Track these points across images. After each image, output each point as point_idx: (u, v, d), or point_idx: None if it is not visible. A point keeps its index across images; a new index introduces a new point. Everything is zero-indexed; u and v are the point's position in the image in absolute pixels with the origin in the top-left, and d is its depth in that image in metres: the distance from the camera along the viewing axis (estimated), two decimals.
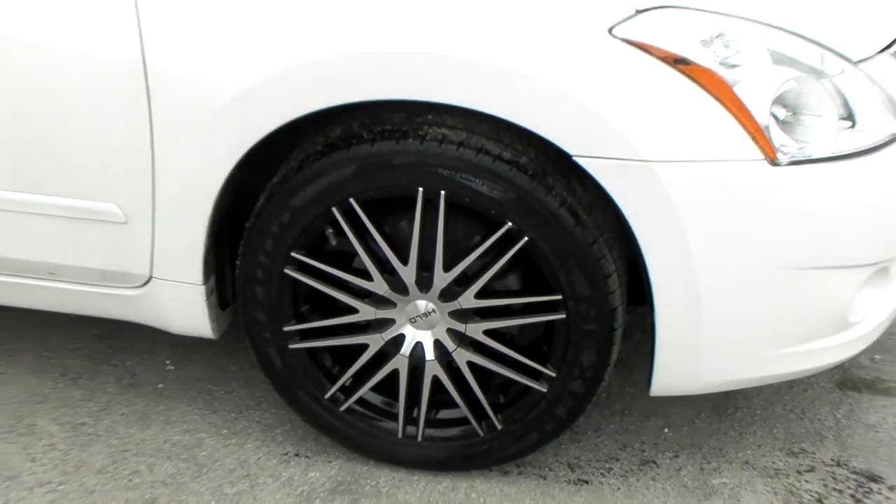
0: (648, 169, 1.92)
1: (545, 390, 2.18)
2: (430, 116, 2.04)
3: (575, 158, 1.95)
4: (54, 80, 2.14)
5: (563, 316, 2.08)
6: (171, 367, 2.77)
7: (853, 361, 2.72)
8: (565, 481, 2.32)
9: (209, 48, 2.05)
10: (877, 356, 2.82)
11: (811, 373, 2.26)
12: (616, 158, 1.93)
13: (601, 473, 2.35)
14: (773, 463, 2.39)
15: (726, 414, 2.57)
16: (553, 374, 2.15)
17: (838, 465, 2.39)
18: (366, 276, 2.16)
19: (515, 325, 2.19)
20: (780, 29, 2.05)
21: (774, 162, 1.94)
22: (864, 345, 2.26)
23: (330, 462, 2.37)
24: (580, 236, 2.01)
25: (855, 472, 2.36)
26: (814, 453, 2.43)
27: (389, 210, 2.12)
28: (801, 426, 2.53)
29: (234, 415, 2.56)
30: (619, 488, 2.30)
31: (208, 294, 2.30)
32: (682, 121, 1.93)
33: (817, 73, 2.02)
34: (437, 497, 2.26)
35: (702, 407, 2.58)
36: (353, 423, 2.32)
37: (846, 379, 2.72)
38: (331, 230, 2.16)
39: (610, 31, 1.93)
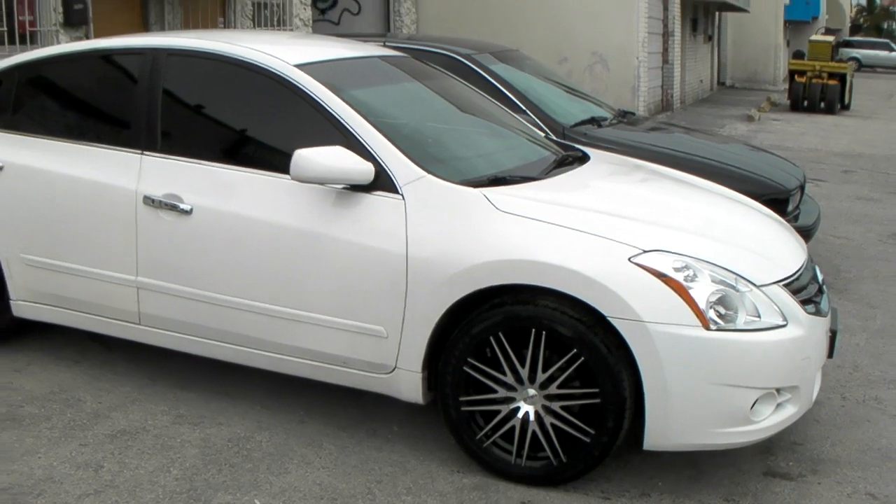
0: (644, 325, 4.00)
1: (588, 441, 4.19)
2: (541, 292, 4.19)
3: (608, 318, 4.05)
4: (365, 260, 4.42)
5: (599, 400, 4.12)
6: (397, 429, 4.87)
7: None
8: (596, 496, 4.27)
9: (441, 250, 4.28)
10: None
11: (733, 446, 4.25)
12: (628, 319, 4.02)
13: (620, 494, 4.29)
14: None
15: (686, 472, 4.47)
16: (592, 432, 4.17)
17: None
18: (502, 373, 4.27)
19: (576, 404, 4.22)
20: (718, 265, 4.16)
21: (707, 328, 4.00)
22: (763, 436, 4.23)
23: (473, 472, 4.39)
24: (610, 360, 4.08)
25: None
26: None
27: (519, 341, 4.24)
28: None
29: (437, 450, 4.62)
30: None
31: (423, 379, 4.44)
32: (662, 305, 4.02)
33: (735, 289, 4.10)
34: (532, 495, 4.25)
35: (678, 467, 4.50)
36: (489, 452, 4.36)
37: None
38: (489, 348, 4.28)
39: (629, 259, 4.08)
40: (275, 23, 14.78)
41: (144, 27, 12.37)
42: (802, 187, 7.93)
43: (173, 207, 4.87)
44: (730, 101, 28.41)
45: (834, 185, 13.35)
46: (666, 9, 22.99)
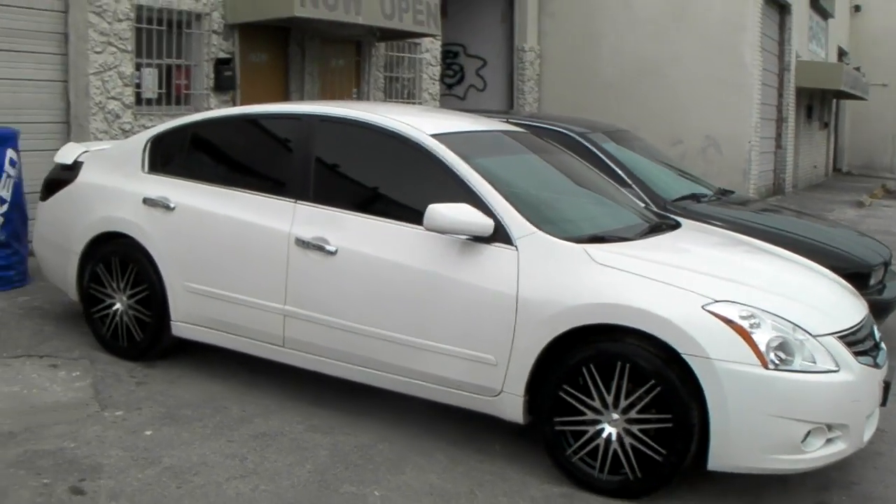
0: (711, 362, 4.74)
1: (661, 460, 4.91)
2: (627, 331, 4.95)
3: (682, 355, 4.80)
4: (482, 300, 5.25)
5: (671, 425, 4.86)
6: (499, 447, 5.64)
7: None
8: None
9: (546, 293, 5.09)
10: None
11: (785, 472, 4.94)
12: (699, 356, 4.77)
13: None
14: None
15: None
16: (664, 453, 4.90)
17: None
18: (591, 399, 5.03)
19: (651, 428, 4.95)
20: (779, 316, 4.89)
21: (766, 367, 4.72)
22: (812, 465, 4.91)
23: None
24: (682, 391, 4.82)
25: None
26: None
27: (606, 372, 5.00)
28: None
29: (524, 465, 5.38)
30: None
31: (524, 402, 5.23)
32: (728, 346, 4.76)
33: (793, 337, 4.82)
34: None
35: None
36: (576, 466, 5.11)
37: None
38: (581, 377, 5.05)
39: (703, 307, 4.84)
40: (405, 95, 15.85)
41: (285, 95, 13.50)
42: (887, 264, 8.54)
43: (320, 248, 5.77)
44: (843, 188, 28.74)
45: None
46: (780, 95, 23.60)
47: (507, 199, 5.46)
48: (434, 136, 5.81)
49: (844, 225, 11.14)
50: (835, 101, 33.56)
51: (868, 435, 5.25)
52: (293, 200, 5.99)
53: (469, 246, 5.39)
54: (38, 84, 10.37)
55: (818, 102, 29.82)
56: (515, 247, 5.30)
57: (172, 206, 6.42)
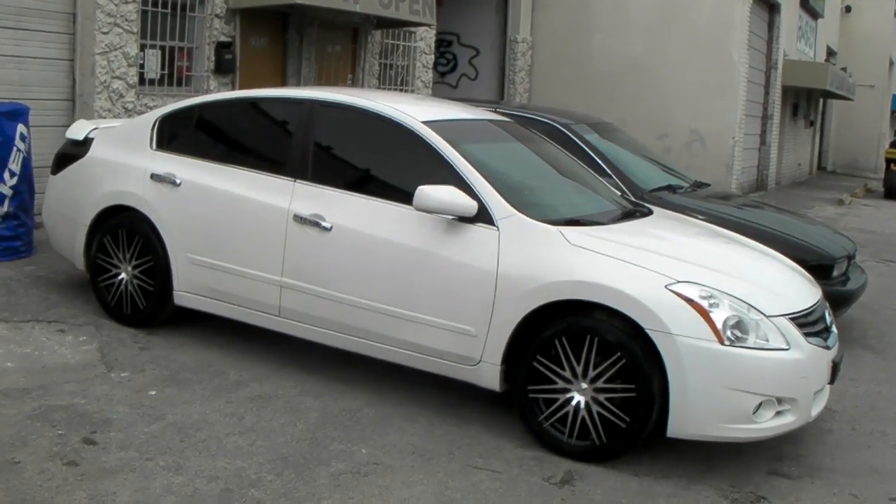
0: (672, 337, 5.19)
1: (625, 427, 5.37)
2: (596, 307, 5.40)
3: (646, 330, 5.25)
4: (465, 275, 5.69)
5: (635, 394, 5.31)
6: (475, 414, 6.08)
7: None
8: (628, 473, 5.43)
9: (523, 271, 5.53)
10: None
11: (738, 441, 5.41)
12: (661, 332, 5.22)
13: (647, 473, 5.44)
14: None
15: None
16: (628, 420, 5.35)
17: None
18: (562, 369, 5.48)
19: (617, 397, 5.40)
20: (735, 297, 5.35)
21: (722, 343, 5.18)
22: (763, 435, 5.37)
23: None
24: (645, 363, 5.27)
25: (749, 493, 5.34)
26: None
27: (577, 344, 5.45)
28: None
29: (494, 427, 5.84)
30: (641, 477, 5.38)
31: (501, 371, 5.68)
32: (688, 323, 5.21)
33: (747, 315, 5.28)
34: (577, 468, 5.43)
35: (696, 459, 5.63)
36: (546, 431, 5.55)
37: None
38: (553, 348, 5.50)
39: (666, 286, 5.30)
40: (399, 83, 16.26)
41: (283, 79, 13.90)
42: (850, 257, 9.02)
43: (317, 224, 6.20)
44: (826, 186, 29.24)
45: None
46: (767, 93, 24.06)
47: (490, 182, 5.90)
48: (425, 122, 6.25)
49: (811, 219, 11.64)
50: (821, 100, 34.01)
51: (816, 410, 5.72)
52: (292, 179, 6.42)
53: (454, 225, 5.83)
54: (45, 62, 10.73)
55: (805, 101, 30.28)
56: (497, 227, 5.74)
57: (178, 182, 6.84)
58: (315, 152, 6.50)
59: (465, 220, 5.80)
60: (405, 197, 5.95)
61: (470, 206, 5.74)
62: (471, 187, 5.85)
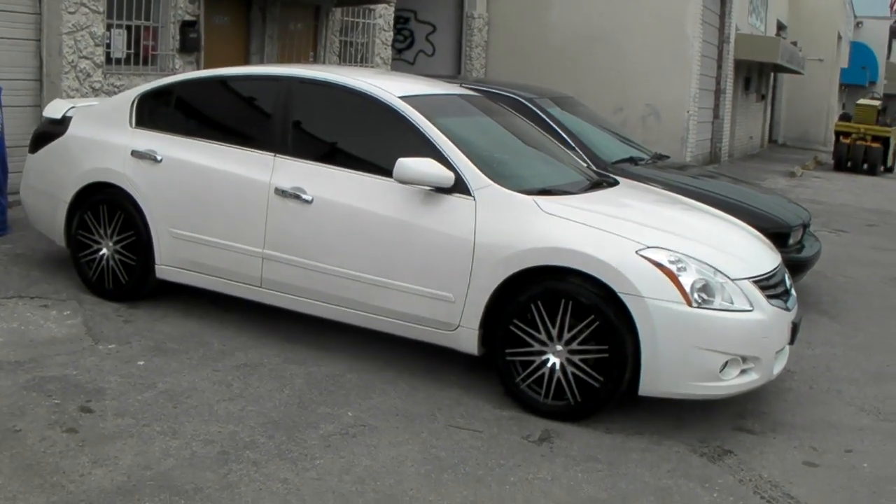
0: (643, 300, 5.48)
1: (598, 386, 5.65)
2: (571, 272, 5.68)
3: (618, 293, 5.53)
4: (443, 244, 5.95)
5: (608, 355, 5.59)
6: (455, 378, 6.34)
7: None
8: (601, 431, 5.72)
9: (499, 238, 5.80)
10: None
11: (706, 398, 5.71)
12: (632, 294, 5.50)
13: (619, 430, 5.73)
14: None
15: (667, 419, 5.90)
16: (602, 380, 5.63)
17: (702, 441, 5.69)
18: (538, 332, 5.75)
19: (590, 358, 5.67)
20: (702, 261, 5.65)
21: (690, 305, 5.47)
22: (729, 392, 5.69)
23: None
24: (617, 325, 5.55)
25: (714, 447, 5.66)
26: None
27: (551, 308, 5.72)
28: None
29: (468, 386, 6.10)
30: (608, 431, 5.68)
31: (479, 336, 5.94)
32: (657, 286, 5.50)
33: (713, 278, 5.58)
34: (554, 426, 5.70)
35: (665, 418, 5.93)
36: (523, 392, 5.82)
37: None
38: (529, 313, 5.77)
39: (636, 252, 5.58)
40: (358, 59, 16.45)
41: (246, 57, 14.05)
42: (805, 226, 9.38)
43: (297, 197, 6.42)
44: (777, 158, 29.76)
45: (854, 236, 14.72)
46: (720, 67, 24.47)
47: (466, 155, 6.15)
48: (402, 97, 6.48)
49: (767, 189, 12.02)
50: (772, 74, 34.54)
51: (778, 369, 6.04)
52: (273, 154, 6.63)
53: (432, 196, 6.07)
54: (12, 42, 10.80)
55: (756, 75, 30.76)
56: (473, 197, 5.99)
57: (159, 158, 7.02)
58: (294, 127, 6.72)
59: (442, 190, 6.05)
60: (383, 170, 6.19)
61: (447, 177, 5.98)
62: (447, 159, 6.09)
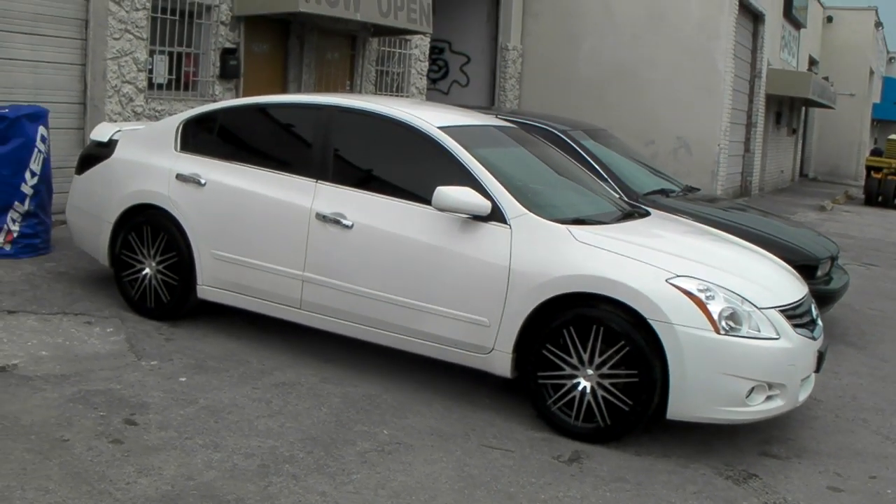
0: (672, 327, 5.64)
1: (627, 410, 5.80)
2: (602, 299, 5.84)
3: (648, 320, 5.70)
4: (479, 270, 6.13)
5: (637, 379, 5.75)
6: (488, 400, 6.50)
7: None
8: (630, 453, 5.86)
9: (534, 266, 5.97)
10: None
11: (732, 423, 5.86)
12: (662, 321, 5.66)
13: (648, 452, 5.87)
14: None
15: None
16: (631, 403, 5.79)
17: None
18: (569, 356, 5.92)
19: (620, 382, 5.83)
20: (730, 290, 5.80)
21: (718, 333, 5.63)
22: (755, 418, 5.83)
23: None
24: (647, 351, 5.71)
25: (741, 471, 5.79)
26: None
27: (583, 334, 5.89)
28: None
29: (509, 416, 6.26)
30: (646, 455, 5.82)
31: (513, 359, 6.11)
32: (686, 314, 5.66)
33: (740, 307, 5.73)
34: (584, 448, 5.85)
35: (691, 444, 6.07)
36: (555, 414, 5.98)
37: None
38: (561, 337, 5.94)
39: (666, 280, 5.74)
40: (394, 89, 16.70)
41: (284, 84, 14.32)
42: (833, 259, 9.50)
43: (338, 222, 6.62)
44: (807, 192, 29.82)
45: (884, 270, 14.80)
46: (751, 101, 24.60)
47: (502, 184, 6.34)
48: (441, 128, 6.69)
49: (796, 222, 12.16)
50: (803, 108, 34.61)
51: (803, 396, 6.18)
52: (314, 180, 6.84)
53: (469, 224, 6.26)
54: (58, 66, 11.12)
55: (787, 109, 30.85)
56: (509, 225, 6.17)
57: (203, 182, 7.24)
58: (335, 154, 6.93)
59: (479, 218, 6.23)
60: (421, 197, 6.40)
61: (484, 205, 6.17)
62: (484, 188, 6.28)
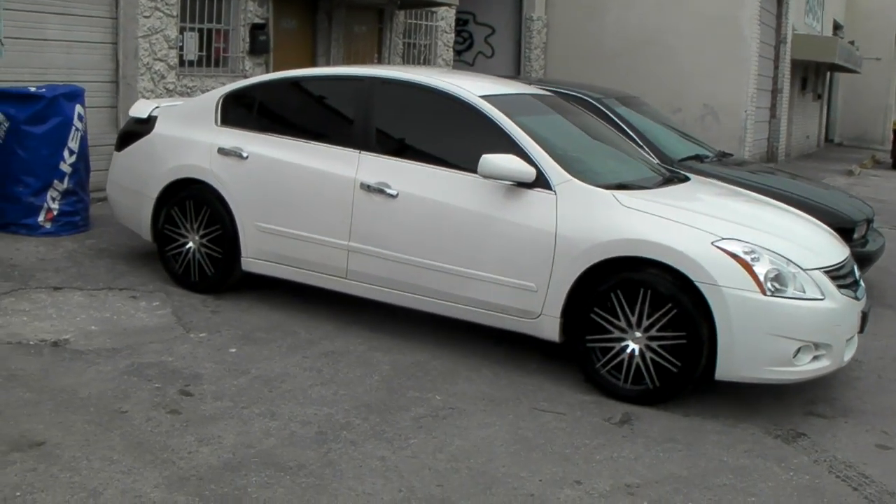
0: (719, 289, 5.68)
1: (676, 371, 5.86)
2: (649, 263, 5.89)
3: (695, 282, 5.74)
4: (526, 236, 6.19)
5: (685, 341, 5.80)
6: (535, 365, 6.57)
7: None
8: (679, 414, 5.92)
9: (580, 231, 6.03)
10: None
11: (779, 382, 5.92)
12: (709, 283, 5.71)
13: (696, 414, 5.93)
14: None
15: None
16: (679, 365, 5.84)
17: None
18: (617, 319, 5.98)
19: (668, 344, 5.88)
20: (775, 252, 5.84)
21: (764, 294, 5.67)
22: (802, 377, 5.88)
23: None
24: (694, 313, 5.76)
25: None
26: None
27: (630, 297, 5.94)
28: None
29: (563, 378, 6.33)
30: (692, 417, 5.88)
31: (560, 323, 6.17)
32: (733, 276, 5.71)
33: (785, 268, 5.77)
34: (633, 410, 5.92)
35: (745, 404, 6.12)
36: (603, 377, 6.05)
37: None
38: (609, 301, 5.99)
39: (712, 243, 5.79)
40: (421, 61, 16.73)
41: (313, 59, 14.36)
42: (870, 221, 9.51)
43: (382, 192, 6.68)
44: (834, 157, 29.69)
45: None
46: (776, 67, 24.50)
47: (546, 151, 6.39)
48: (483, 97, 6.73)
49: (832, 186, 12.14)
50: (829, 73, 34.42)
51: (848, 356, 6.22)
52: (358, 150, 6.90)
53: (513, 191, 6.31)
54: (90, 46, 11.20)
55: (812, 74, 30.69)
56: (554, 192, 6.22)
57: (245, 155, 7.31)
58: (378, 125, 6.98)
59: (523, 185, 6.28)
60: (466, 165, 6.45)
61: (529, 172, 6.22)
62: (528, 155, 6.33)
